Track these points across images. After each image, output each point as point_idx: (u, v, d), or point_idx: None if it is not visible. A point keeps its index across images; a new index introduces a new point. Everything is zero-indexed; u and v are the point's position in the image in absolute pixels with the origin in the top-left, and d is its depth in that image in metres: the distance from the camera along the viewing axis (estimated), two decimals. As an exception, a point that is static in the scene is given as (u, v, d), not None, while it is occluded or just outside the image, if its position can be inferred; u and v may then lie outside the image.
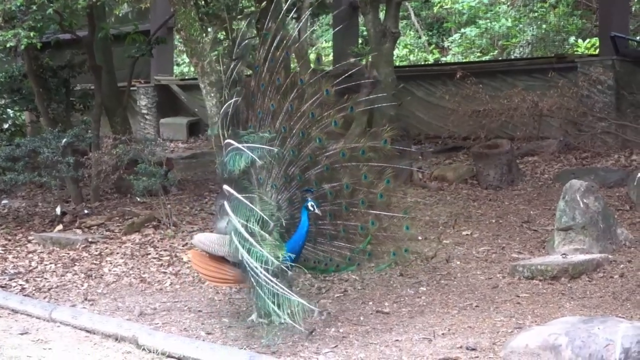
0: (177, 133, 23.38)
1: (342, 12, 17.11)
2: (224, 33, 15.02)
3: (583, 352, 6.65)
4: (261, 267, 8.05)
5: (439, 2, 27.87)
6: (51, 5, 13.07)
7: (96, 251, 12.18)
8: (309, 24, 9.30)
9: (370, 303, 9.54)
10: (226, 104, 9.02)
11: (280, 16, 9.54)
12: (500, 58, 25.26)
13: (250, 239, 8.12)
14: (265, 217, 8.42)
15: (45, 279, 11.07)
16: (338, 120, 9.30)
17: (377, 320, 8.87)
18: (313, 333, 8.47)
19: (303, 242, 8.81)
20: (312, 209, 8.72)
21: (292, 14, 9.59)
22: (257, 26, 12.28)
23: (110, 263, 11.61)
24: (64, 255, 12.03)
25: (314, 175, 9.26)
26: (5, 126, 19.70)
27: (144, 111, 23.59)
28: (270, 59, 9.21)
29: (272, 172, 9.10)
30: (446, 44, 28.78)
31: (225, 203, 8.34)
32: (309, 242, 9.08)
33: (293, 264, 8.54)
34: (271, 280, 8.01)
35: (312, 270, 9.55)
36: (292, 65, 9.85)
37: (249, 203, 8.35)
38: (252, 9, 15.84)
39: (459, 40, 27.33)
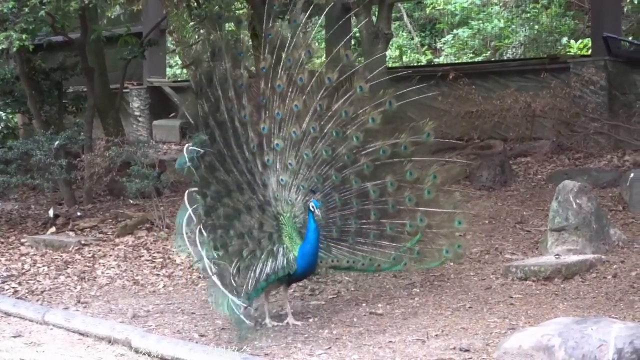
0: (169, 135, 23.34)
1: (335, 13, 17.06)
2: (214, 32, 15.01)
3: (576, 353, 6.65)
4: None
5: (432, 3, 27.86)
6: (43, 7, 13.04)
7: (89, 253, 12.17)
8: (301, 25, 9.15)
9: (364, 304, 9.54)
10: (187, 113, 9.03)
11: (291, 16, 9.42)
12: (492, 59, 25.26)
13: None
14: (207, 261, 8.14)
15: (38, 281, 11.05)
16: (376, 117, 9.31)
17: (371, 321, 8.87)
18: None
19: (315, 246, 8.73)
20: (312, 209, 8.64)
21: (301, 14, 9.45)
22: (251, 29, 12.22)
23: (103, 265, 11.60)
24: (57, 258, 12.02)
25: (353, 174, 9.30)
26: (-2, 128, 19.68)
27: (137, 113, 23.55)
28: (288, 59, 9.20)
29: (298, 174, 9.10)
30: (439, 45, 28.77)
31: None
32: (343, 242, 9.22)
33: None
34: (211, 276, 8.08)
35: (345, 270, 9.68)
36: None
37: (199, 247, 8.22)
38: (244, 10, 15.83)
39: (452, 41, 27.31)
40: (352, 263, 9.32)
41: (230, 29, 9.50)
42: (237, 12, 16.14)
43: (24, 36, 12.89)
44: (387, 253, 9.42)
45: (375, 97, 9.35)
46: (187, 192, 8.70)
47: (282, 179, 9.08)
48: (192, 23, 14.57)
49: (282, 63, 9.24)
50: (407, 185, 9.47)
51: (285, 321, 8.83)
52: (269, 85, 9.21)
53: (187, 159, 8.60)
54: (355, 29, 18.12)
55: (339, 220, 9.28)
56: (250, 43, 9.27)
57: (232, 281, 8.28)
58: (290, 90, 9.21)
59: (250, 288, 8.50)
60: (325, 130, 9.23)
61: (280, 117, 9.17)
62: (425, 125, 9.50)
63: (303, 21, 9.39)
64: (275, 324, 8.79)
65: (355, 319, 8.97)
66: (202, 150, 8.72)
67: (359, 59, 10.36)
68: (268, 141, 9.16)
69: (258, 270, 8.64)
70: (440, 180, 9.67)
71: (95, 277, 11.08)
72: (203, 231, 8.32)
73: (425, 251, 9.59)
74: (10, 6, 12.72)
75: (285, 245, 8.81)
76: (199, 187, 8.63)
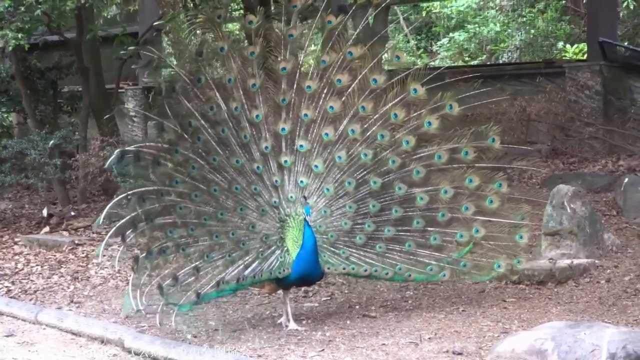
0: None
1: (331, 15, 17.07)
2: (212, 36, 15.00)
3: (569, 357, 6.65)
4: None
5: (428, 7, 27.89)
6: (39, 6, 13.04)
7: (83, 253, 12.16)
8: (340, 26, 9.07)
9: (357, 307, 9.53)
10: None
11: (325, 18, 9.21)
12: (488, 63, 25.28)
13: None
14: None
15: (32, 281, 11.04)
16: (432, 121, 9.03)
17: (364, 324, 8.86)
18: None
19: (311, 253, 8.57)
20: (303, 215, 8.57)
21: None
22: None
23: (97, 265, 11.58)
24: (50, 257, 12.01)
25: (398, 180, 9.02)
26: (-7, 127, 19.65)
27: (132, 113, 23.55)
28: (322, 60, 9.02)
29: (324, 176, 8.98)
30: (435, 48, 28.79)
31: None
32: (370, 249, 8.97)
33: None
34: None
35: (366, 278, 9.42)
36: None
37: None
38: (241, 12, 15.83)
39: (448, 45, 27.34)
40: (373, 271, 8.99)
41: (226, 30, 9.35)
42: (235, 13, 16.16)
43: (19, 35, 12.89)
44: (425, 263, 9.06)
45: (432, 100, 9.06)
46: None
47: (301, 181, 8.97)
48: (187, 23, 14.58)
49: (313, 64, 9.09)
50: (465, 193, 9.11)
51: (280, 321, 8.82)
52: (295, 86, 9.02)
53: (115, 160, 8.59)
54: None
55: (369, 227, 9.00)
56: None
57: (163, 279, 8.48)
58: (324, 91, 9.01)
59: (218, 287, 8.51)
60: (368, 134, 9.01)
61: (309, 119, 8.98)
62: (489, 130, 9.19)
63: (342, 22, 9.16)
64: (298, 328, 8.73)
65: (348, 322, 8.97)
66: (131, 153, 8.75)
67: (412, 59, 10.21)
68: (288, 142, 9.00)
69: (236, 270, 8.65)
70: (506, 188, 9.26)
71: (89, 277, 11.07)
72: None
73: (475, 263, 9.19)
74: (7, 5, 12.72)
75: (285, 248, 8.76)
76: (136, 189, 8.73)
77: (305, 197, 8.86)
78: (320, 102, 9.01)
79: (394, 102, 9.03)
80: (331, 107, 8.99)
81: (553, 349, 6.73)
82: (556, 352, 6.71)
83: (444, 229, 9.10)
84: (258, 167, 8.94)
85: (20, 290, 10.64)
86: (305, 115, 8.98)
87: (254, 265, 8.76)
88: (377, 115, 9.02)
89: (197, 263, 8.67)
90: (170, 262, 8.75)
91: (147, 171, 8.84)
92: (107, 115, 15.34)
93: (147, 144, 9.10)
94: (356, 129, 8.99)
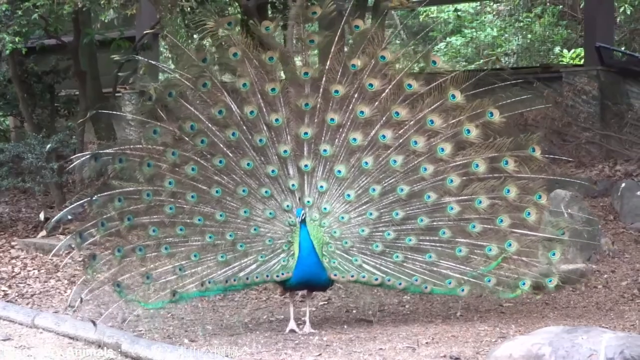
0: (162, 139, 23.31)
1: (328, 19, 17.06)
2: (210, 40, 15.00)
3: (566, 362, 6.65)
4: None
5: (425, 11, 27.89)
6: (36, 10, 13.03)
7: (80, 257, 12.13)
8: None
9: (354, 311, 9.53)
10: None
11: (353, 22, 9.20)
12: (485, 67, 25.27)
13: None
14: None
15: (29, 285, 11.04)
16: (471, 129, 8.83)
17: (361, 328, 8.86)
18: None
19: (307, 257, 8.55)
20: (301, 219, 8.52)
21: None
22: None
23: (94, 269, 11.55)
24: (47, 261, 12.00)
25: (429, 188, 8.82)
26: (-11, 131, 19.62)
27: (129, 117, 23.52)
28: (352, 64, 8.89)
29: (349, 182, 8.87)
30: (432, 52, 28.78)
31: None
32: (387, 257, 8.79)
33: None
34: None
35: (378, 287, 9.12)
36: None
37: None
38: (239, 16, 15.82)
39: (445, 49, 27.33)
40: (386, 281, 8.79)
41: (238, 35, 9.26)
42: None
43: (16, 39, 12.88)
44: (445, 275, 8.79)
45: (471, 106, 8.87)
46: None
47: (321, 186, 8.90)
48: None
49: (341, 68, 8.95)
50: (501, 204, 8.82)
51: (288, 328, 8.81)
52: (321, 90, 8.95)
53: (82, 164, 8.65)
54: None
55: (389, 235, 8.84)
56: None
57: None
58: (354, 96, 8.89)
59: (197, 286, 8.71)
60: (401, 140, 8.86)
61: (336, 123, 8.88)
62: (529, 139, 8.97)
63: (372, 26, 9.18)
64: (313, 330, 8.74)
65: (345, 326, 8.97)
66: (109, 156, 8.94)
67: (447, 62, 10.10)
68: (310, 147, 8.94)
69: (230, 271, 8.75)
70: (546, 200, 8.97)
71: (86, 282, 11.02)
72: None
73: (500, 279, 8.83)
74: (4, 8, 12.72)
75: (292, 252, 8.74)
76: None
77: (300, 199, 8.83)
78: (350, 107, 8.89)
79: (430, 108, 8.85)
80: (361, 112, 8.87)
81: (550, 354, 6.72)
82: (553, 357, 6.70)
83: (473, 241, 8.84)
84: (273, 171, 8.90)
85: (17, 294, 10.64)
86: (332, 119, 8.88)
87: (251, 267, 8.79)
88: (412, 122, 8.85)
89: (182, 262, 8.78)
90: (148, 260, 8.86)
91: (130, 172, 8.95)
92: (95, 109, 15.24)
93: (133, 146, 9.15)
94: (387, 134, 8.85)
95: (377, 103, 8.91)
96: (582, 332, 6.89)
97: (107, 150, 9.12)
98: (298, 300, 9.52)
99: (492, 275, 8.79)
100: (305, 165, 8.89)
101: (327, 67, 8.99)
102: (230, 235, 8.84)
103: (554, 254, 8.86)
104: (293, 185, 8.90)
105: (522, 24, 25.56)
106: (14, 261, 12.20)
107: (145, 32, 17.31)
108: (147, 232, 8.87)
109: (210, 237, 8.84)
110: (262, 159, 8.93)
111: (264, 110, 8.95)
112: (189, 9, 15.00)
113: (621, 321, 8.80)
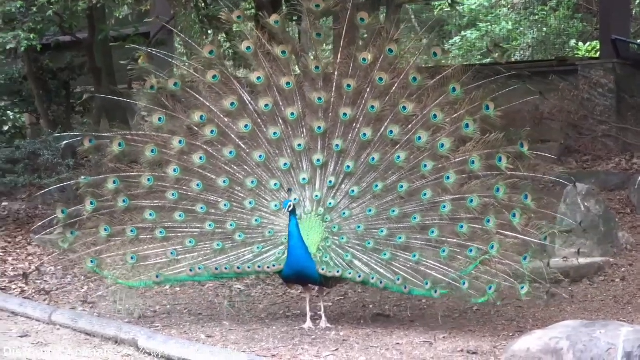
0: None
1: (336, 12, 17.03)
2: (224, 35, 15.01)
3: (585, 356, 6.61)
4: None
5: (440, 5, 27.83)
6: (51, 7, 13.07)
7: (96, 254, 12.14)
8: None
9: (371, 306, 9.52)
10: None
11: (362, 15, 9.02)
12: (500, 61, 25.21)
13: None
14: None
15: (45, 281, 11.05)
16: (470, 123, 8.61)
17: (378, 323, 8.84)
18: None
19: (294, 248, 8.50)
20: (289, 209, 8.47)
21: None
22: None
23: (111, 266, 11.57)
24: (63, 258, 12.00)
25: (430, 186, 8.66)
26: (5, 128, 19.66)
27: (144, 113, 23.55)
28: (363, 58, 8.82)
29: (357, 179, 8.84)
30: (447, 46, 28.73)
31: None
32: (376, 255, 8.64)
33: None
34: None
35: (359, 284, 9.09)
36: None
37: None
38: (253, 11, 15.82)
39: (460, 43, 27.27)
40: (371, 279, 8.57)
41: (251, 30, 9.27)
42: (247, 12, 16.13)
43: (32, 36, 12.92)
44: (425, 275, 8.51)
45: (468, 100, 8.68)
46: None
47: (330, 181, 8.88)
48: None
49: (352, 62, 8.89)
50: (492, 204, 8.52)
51: (306, 325, 8.76)
52: (334, 85, 8.92)
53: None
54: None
55: (382, 233, 8.74)
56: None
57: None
58: (367, 90, 8.83)
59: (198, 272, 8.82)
60: (407, 136, 8.74)
61: (349, 118, 8.84)
62: (519, 134, 8.78)
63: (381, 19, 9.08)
64: (330, 325, 8.71)
65: (362, 321, 8.96)
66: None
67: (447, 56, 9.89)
68: (325, 141, 8.92)
69: (226, 259, 8.82)
70: (532, 201, 8.53)
71: (102, 278, 11.04)
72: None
73: (474, 283, 8.41)
74: (19, 6, 12.74)
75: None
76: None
77: (290, 190, 8.80)
78: (363, 102, 8.84)
79: (435, 102, 8.72)
80: (372, 107, 8.81)
81: (568, 348, 6.69)
82: (571, 352, 6.67)
83: (459, 241, 8.54)
84: (285, 164, 8.92)
85: (34, 290, 10.65)
86: (345, 114, 8.84)
87: (247, 257, 8.84)
88: (419, 116, 8.73)
89: (177, 247, 8.90)
90: (139, 241, 9.01)
91: (131, 157, 9.09)
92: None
93: (135, 132, 9.33)
94: (395, 130, 8.77)
95: (387, 98, 8.86)
96: (600, 326, 6.85)
97: (104, 134, 9.17)
98: (314, 296, 9.50)
99: (467, 278, 8.39)
100: (318, 160, 8.88)
101: (338, 61, 8.97)
102: (231, 225, 8.89)
103: (525, 259, 8.35)
104: (304, 179, 8.90)
105: (537, 17, 25.47)
106: (30, 258, 12.22)
107: (163, 24, 17.31)
108: (143, 215, 8.98)
109: (210, 225, 8.92)
110: (276, 152, 8.93)
111: (280, 104, 8.95)
112: (203, 4, 15.02)
113: (639, 315, 8.76)
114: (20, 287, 10.77)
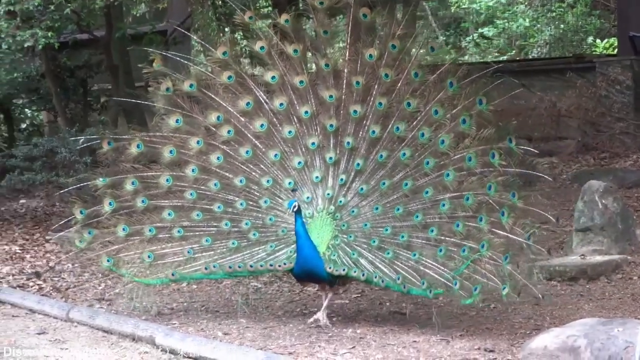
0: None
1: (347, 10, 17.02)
2: (241, 34, 15.04)
3: (602, 354, 6.60)
4: None
5: (457, 2, 27.81)
6: (69, 5, 13.09)
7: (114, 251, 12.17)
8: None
9: (388, 304, 9.51)
10: None
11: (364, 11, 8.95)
12: (518, 58, 25.17)
13: None
14: None
15: (63, 278, 11.09)
16: (467, 119, 8.59)
17: (395, 321, 8.84)
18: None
19: (302, 247, 8.49)
20: (294, 210, 8.46)
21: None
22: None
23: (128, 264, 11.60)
24: (81, 255, 12.03)
25: (431, 184, 8.63)
26: (23, 126, 19.78)
27: (162, 111, 23.56)
28: (369, 55, 8.79)
29: (365, 177, 8.82)
30: (463, 44, 28.71)
31: None
32: (380, 254, 8.57)
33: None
34: None
35: (363, 282, 8.99)
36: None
37: None
38: (269, 9, 15.84)
39: (477, 40, 27.25)
40: (374, 277, 8.52)
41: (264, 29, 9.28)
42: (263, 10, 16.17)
43: (49, 34, 12.96)
44: (426, 274, 8.40)
45: (465, 94, 8.65)
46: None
47: (341, 179, 8.88)
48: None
49: (360, 59, 8.87)
50: (485, 202, 8.44)
51: (322, 322, 8.68)
52: (345, 82, 8.90)
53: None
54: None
55: (387, 231, 8.70)
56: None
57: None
58: (374, 86, 8.82)
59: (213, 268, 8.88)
60: (412, 132, 8.73)
61: (358, 115, 8.83)
62: (506, 130, 8.65)
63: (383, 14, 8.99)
64: (328, 324, 8.65)
65: (379, 319, 8.95)
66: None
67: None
68: (336, 139, 8.90)
69: (240, 258, 8.87)
70: (522, 199, 8.45)
71: (119, 275, 11.07)
72: None
73: (464, 284, 8.28)
74: (36, 3, 12.77)
75: None
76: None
77: (294, 190, 8.80)
78: (372, 98, 8.83)
79: (435, 98, 8.71)
80: (380, 104, 8.81)
81: (586, 346, 6.69)
82: (589, 350, 6.66)
83: (456, 240, 8.47)
84: (299, 163, 8.93)
85: (51, 288, 10.68)
86: (355, 111, 8.83)
87: (260, 255, 8.88)
88: (422, 112, 8.73)
89: (193, 246, 8.96)
90: (158, 240, 9.07)
91: (150, 158, 9.12)
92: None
93: (153, 133, 9.34)
94: (401, 126, 8.76)
95: (393, 94, 8.85)
96: (618, 324, 6.85)
97: (123, 136, 9.21)
98: (335, 293, 9.52)
99: (459, 278, 8.27)
100: (330, 158, 8.88)
101: (347, 58, 8.95)
102: (246, 224, 8.94)
103: (506, 258, 8.20)
104: (317, 177, 8.91)
105: (554, 14, 25.44)
106: (48, 255, 12.27)
107: (180, 22, 17.37)
108: (161, 214, 9.03)
109: (226, 224, 8.97)
110: (291, 150, 8.95)
111: (295, 102, 8.96)
112: (220, 2, 15.04)
113: (657, 313, 8.75)
114: (37, 285, 10.81)
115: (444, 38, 29.56)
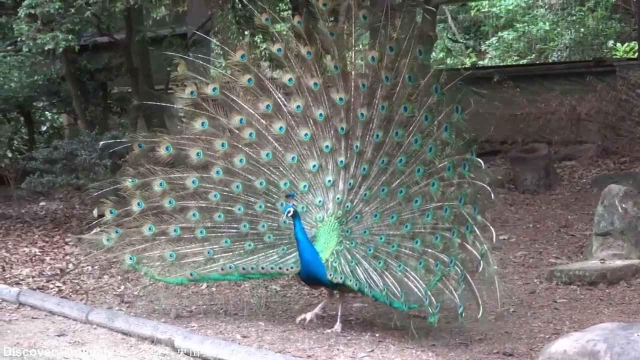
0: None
1: (379, 14, 17.00)
2: (260, 36, 15.06)
3: (622, 359, 6.58)
4: None
5: (476, 6, 27.76)
6: (89, 8, 13.13)
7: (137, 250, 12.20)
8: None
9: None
10: None
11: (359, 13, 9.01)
12: (537, 62, 25.11)
13: None
14: None
15: (82, 281, 11.12)
16: (448, 127, 8.69)
17: (413, 324, 8.80)
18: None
19: (303, 251, 8.50)
20: (289, 214, 8.46)
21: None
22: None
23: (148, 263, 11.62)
24: (100, 258, 12.07)
25: (419, 193, 8.63)
26: (44, 128, 19.85)
27: (181, 114, 23.62)
28: (371, 57, 8.84)
29: (367, 181, 8.83)
30: (483, 47, 28.65)
31: None
32: (373, 262, 8.54)
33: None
34: None
35: (355, 291, 8.82)
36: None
37: None
38: (289, 12, 15.84)
39: (496, 44, 27.19)
40: (364, 287, 8.44)
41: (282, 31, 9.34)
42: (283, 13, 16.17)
43: (70, 37, 13.00)
44: (407, 287, 8.36)
45: (445, 102, 8.74)
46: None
47: (350, 183, 8.88)
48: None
49: (364, 62, 8.94)
50: (458, 215, 8.44)
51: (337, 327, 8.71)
52: (352, 84, 8.90)
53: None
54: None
55: (381, 240, 8.68)
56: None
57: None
58: (378, 89, 8.86)
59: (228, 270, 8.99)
60: (409, 138, 8.78)
61: (365, 119, 8.87)
62: (468, 141, 8.65)
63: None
64: (339, 330, 8.65)
65: (398, 322, 8.93)
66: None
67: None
68: (347, 142, 8.91)
69: (255, 260, 8.95)
70: (480, 213, 8.43)
71: (139, 277, 11.09)
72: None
73: (432, 300, 8.18)
74: (57, 7, 12.81)
75: None
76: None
77: (290, 196, 8.79)
78: (376, 102, 8.86)
79: (426, 103, 8.80)
80: (382, 107, 8.85)
81: (605, 351, 6.66)
82: (609, 354, 6.63)
83: (434, 253, 8.44)
84: (314, 166, 8.94)
85: (71, 290, 10.71)
86: (362, 114, 8.86)
87: (273, 257, 8.95)
88: (417, 117, 8.79)
89: (214, 247, 9.05)
90: (181, 240, 9.15)
91: (177, 160, 9.19)
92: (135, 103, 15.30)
93: (180, 136, 9.36)
94: (400, 131, 8.82)
95: (394, 97, 8.88)
96: (638, 329, 6.82)
97: (153, 139, 9.26)
98: (351, 297, 9.51)
99: (429, 294, 8.20)
100: (341, 161, 8.90)
101: (353, 61, 8.98)
102: (262, 226, 9.01)
103: (462, 277, 8.23)
104: (329, 181, 8.92)
105: (574, 17, 25.35)
106: (68, 257, 12.30)
107: (200, 24, 17.37)
108: (187, 215, 9.10)
109: (245, 226, 9.04)
110: (307, 153, 8.96)
111: (310, 105, 8.98)
112: (239, 4, 15.05)
113: (677, 317, 8.71)
114: (57, 287, 10.84)
115: (464, 41, 29.53)
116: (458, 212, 8.44)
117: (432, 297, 8.16)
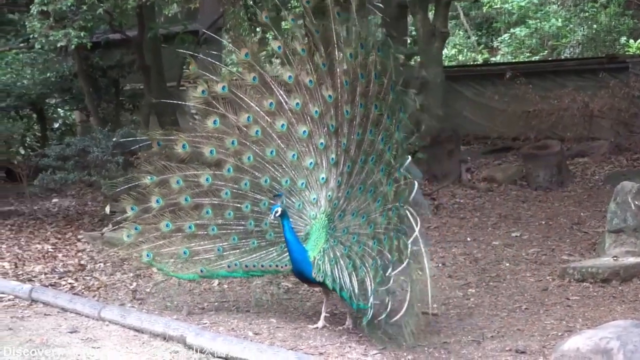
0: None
1: (391, 12, 16.98)
2: (272, 33, 15.05)
3: (635, 357, 6.55)
4: None
5: (489, 2, 27.72)
6: (101, 5, 13.16)
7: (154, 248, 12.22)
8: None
9: (419, 304, 9.47)
10: None
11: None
12: (550, 58, 25.07)
13: None
14: None
15: (95, 277, 11.13)
16: (399, 126, 8.84)
17: (426, 321, 8.80)
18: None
19: (291, 250, 8.53)
20: (277, 214, 8.47)
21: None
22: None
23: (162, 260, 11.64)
24: (113, 254, 12.09)
25: (382, 194, 8.62)
26: (56, 125, 19.92)
27: (194, 111, 23.63)
28: (349, 54, 8.89)
29: (353, 179, 8.85)
30: (495, 44, 28.62)
31: None
32: (343, 262, 8.44)
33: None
34: None
35: (331, 291, 8.68)
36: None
37: None
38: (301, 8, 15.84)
39: (509, 40, 27.15)
40: (336, 287, 8.35)
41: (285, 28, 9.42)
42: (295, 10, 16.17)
43: (82, 34, 13.03)
44: (362, 286, 8.22)
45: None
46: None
47: (338, 180, 8.90)
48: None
49: (346, 60, 8.95)
50: (399, 215, 8.35)
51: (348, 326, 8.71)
52: (339, 81, 8.93)
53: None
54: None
55: (355, 239, 8.62)
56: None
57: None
58: (357, 86, 8.89)
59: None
60: (379, 137, 8.86)
61: (349, 116, 8.93)
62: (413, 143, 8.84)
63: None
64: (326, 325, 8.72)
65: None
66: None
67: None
68: (337, 139, 8.95)
69: (258, 257, 9.02)
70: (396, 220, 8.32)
71: (151, 274, 11.11)
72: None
73: (376, 303, 7.99)
74: (69, 4, 12.84)
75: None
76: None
77: (278, 195, 8.76)
78: (356, 99, 8.91)
79: (389, 101, 8.86)
80: (361, 105, 8.88)
81: (619, 348, 6.64)
82: (622, 352, 6.62)
83: (383, 254, 8.30)
84: (311, 163, 8.97)
85: (83, 287, 10.72)
86: (347, 112, 8.92)
87: (272, 255, 9.02)
88: (384, 115, 8.83)
89: (224, 244, 9.10)
90: (195, 237, 9.17)
91: (192, 158, 9.20)
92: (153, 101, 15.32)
93: (195, 134, 9.36)
94: (373, 129, 8.87)
95: (368, 95, 8.90)
96: (651, 327, 6.80)
97: (170, 137, 9.27)
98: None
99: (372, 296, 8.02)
100: (332, 158, 8.93)
101: (337, 58, 8.98)
102: (265, 224, 9.05)
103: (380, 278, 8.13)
104: (323, 178, 8.94)
105: (587, 14, 25.30)
106: (80, 254, 12.32)
107: (212, 21, 17.38)
108: (201, 212, 9.14)
109: (251, 224, 9.09)
110: (305, 150, 8.99)
111: (308, 102, 9.02)
112: (251, 1, 15.05)
113: (691, 315, 8.68)
114: (69, 283, 10.86)
115: (476, 38, 29.48)
116: (401, 212, 8.32)
117: (376, 302, 7.99)
